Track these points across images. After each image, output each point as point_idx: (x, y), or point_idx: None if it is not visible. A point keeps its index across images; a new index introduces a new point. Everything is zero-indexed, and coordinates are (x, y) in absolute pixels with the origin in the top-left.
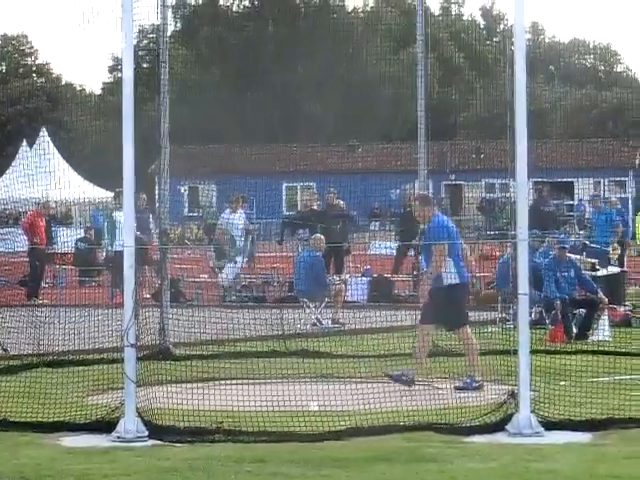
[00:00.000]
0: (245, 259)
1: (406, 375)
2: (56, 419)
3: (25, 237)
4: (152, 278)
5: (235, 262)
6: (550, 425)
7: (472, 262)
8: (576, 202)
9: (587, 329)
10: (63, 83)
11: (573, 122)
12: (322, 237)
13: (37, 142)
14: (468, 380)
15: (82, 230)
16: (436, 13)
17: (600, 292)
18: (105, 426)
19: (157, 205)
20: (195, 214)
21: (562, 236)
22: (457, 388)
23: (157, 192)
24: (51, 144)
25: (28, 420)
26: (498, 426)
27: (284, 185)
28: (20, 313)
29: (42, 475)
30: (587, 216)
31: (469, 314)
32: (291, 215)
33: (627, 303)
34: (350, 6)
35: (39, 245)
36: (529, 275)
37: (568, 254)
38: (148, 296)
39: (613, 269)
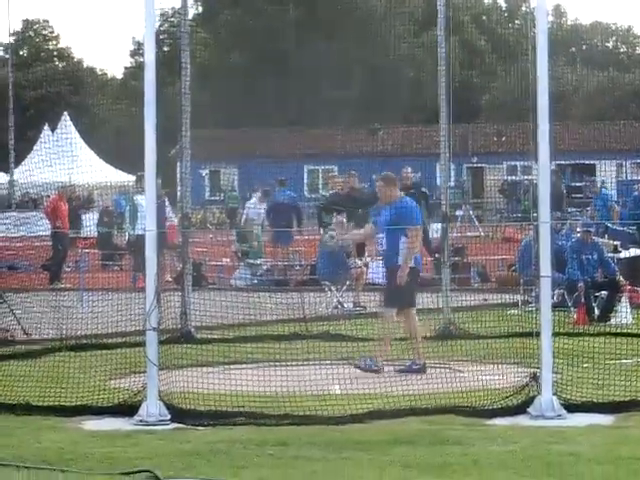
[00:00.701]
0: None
1: (417, 364)
2: (78, 403)
3: (47, 221)
4: (174, 262)
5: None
6: (572, 407)
7: None
8: (598, 184)
9: (609, 311)
10: (85, 67)
11: (595, 104)
12: (344, 220)
13: (59, 126)
14: (369, 361)
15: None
16: None
17: (619, 274)
18: (127, 410)
19: (178, 188)
20: (217, 198)
21: (584, 218)
22: (355, 366)
23: (178, 176)
24: (73, 128)
25: (51, 404)
26: (520, 409)
27: (305, 168)
28: (43, 297)
29: (65, 459)
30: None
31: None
32: (326, 197)
33: None
34: None
35: (62, 229)
36: (551, 257)
37: (593, 237)
38: (170, 280)
39: (636, 251)
